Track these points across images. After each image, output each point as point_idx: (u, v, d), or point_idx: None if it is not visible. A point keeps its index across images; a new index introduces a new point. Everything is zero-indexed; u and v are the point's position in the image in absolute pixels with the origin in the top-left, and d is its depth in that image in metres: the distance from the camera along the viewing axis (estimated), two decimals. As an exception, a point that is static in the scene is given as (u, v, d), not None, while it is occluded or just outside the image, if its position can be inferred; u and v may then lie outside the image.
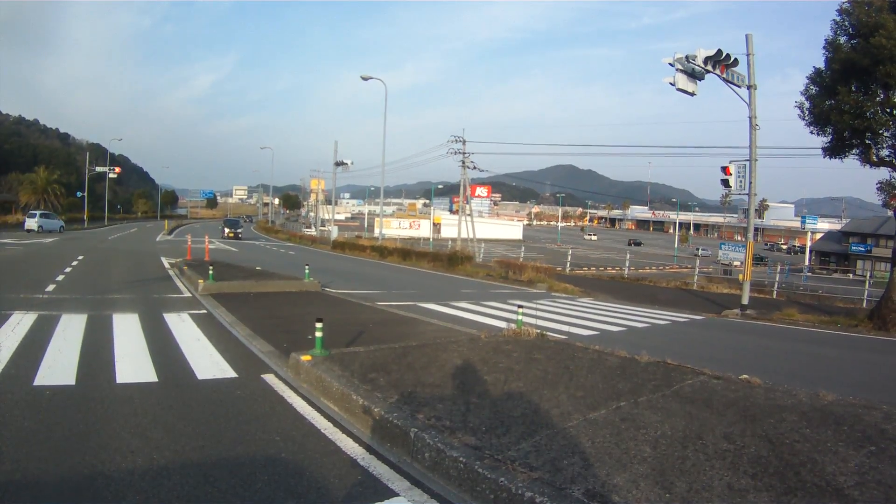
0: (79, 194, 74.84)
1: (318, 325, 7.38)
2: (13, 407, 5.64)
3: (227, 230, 54.95)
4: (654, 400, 5.66)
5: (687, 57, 19.60)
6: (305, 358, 7.08)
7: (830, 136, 18.80)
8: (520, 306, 10.80)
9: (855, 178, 76.19)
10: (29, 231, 44.46)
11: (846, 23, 17.91)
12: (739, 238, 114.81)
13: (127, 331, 9.65)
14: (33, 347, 8.11)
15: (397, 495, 4.02)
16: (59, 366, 7.25)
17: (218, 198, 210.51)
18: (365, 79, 40.03)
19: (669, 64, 19.85)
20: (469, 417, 4.93)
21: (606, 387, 6.13)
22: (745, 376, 6.88)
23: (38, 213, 49.71)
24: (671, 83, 19.91)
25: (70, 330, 9.44)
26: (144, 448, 4.77)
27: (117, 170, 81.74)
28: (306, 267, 17.60)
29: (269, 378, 7.12)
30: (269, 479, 4.24)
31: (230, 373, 7.34)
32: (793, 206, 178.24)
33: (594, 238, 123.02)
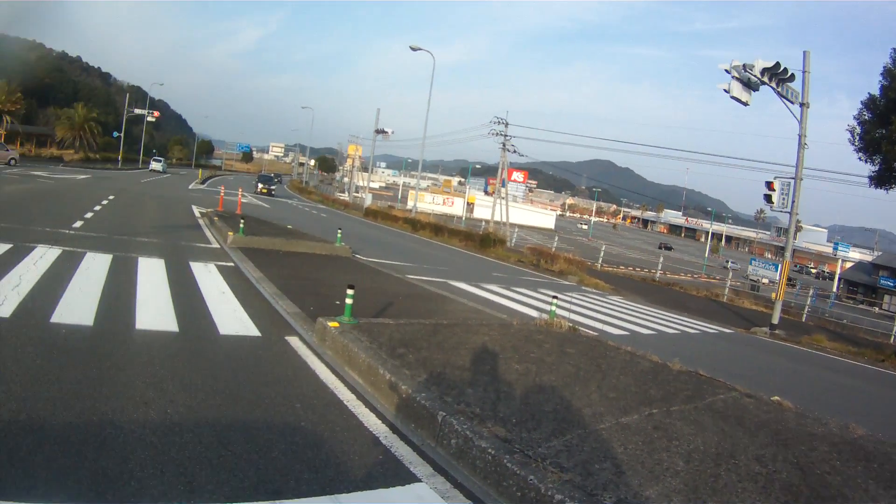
0: (115, 135, 75.92)
1: (350, 291, 7.25)
2: (27, 343, 5.59)
3: (260, 186, 55.55)
4: (686, 411, 5.59)
5: (744, 66, 19.72)
6: (333, 324, 6.98)
7: (879, 165, 19.10)
8: (554, 297, 10.79)
9: (891, 211, 74.38)
10: (153, 171, 57.62)
11: (906, 54, 17.43)
12: (770, 256, 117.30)
13: (151, 276, 9.65)
14: (54, 283, 8.11)
15: (419, 481, 3.95)
16: (78, 305, 7.23)
17: (254, 153, 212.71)
18: (414, 49, 40.25)
19: (725, 70, 20.13)
20: (499, 407, 4.85)
21: (639, 391, 6.07)
22: (776, 398, 6.77)
23: (161, 158, 66.99)
24: (725, 90, 20.18)
25: (93, 269, 9.48)
26: (158, 400, 4.70)
27: (156, 114, 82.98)
28: (338, 231, 17.56)
29: (293, 341, 7.06)
30: (287, 448, 4.15)
31: (254, 331, 7.29)
32: (826, 231, 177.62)
33: (584, 227, 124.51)
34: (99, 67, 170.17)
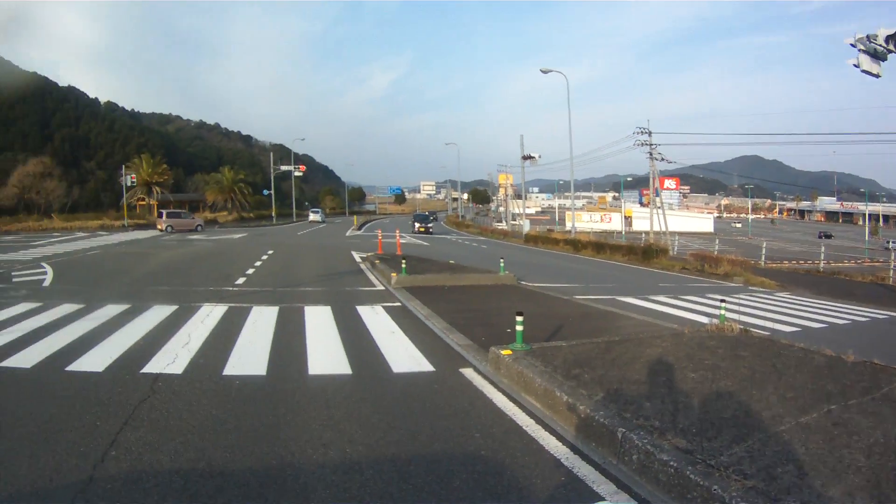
0: (265, 192, 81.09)
1: (519, 318, 7.28)
2: (201, 396, 5.95)
3: (417, 225, 57.28)
4: (864, 403, 5.35)
5: (868, 37, 19.04)
6: (506, 352, 7.03)
7: None
8: (721, 300, 10.59)
9: None
10: (312, 223, 62.50)
11: None
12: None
13: (319, 323, 10.05)
14: (223, 338, 8.63)
15: (602, 499, 3.93)
16: (250, 356, 7.63)
17: (406, 193, 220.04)
18: (545, 72, 41.31)
19: (851, 45, 19.47)
20: (678, 418, 4.85)
21: (815, 388, 5.86)
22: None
23: (320, 209, 69.26)
24: (855, 65, 19.49)
25: (261, 321, 9.99)
26: (337, 441, 4.82)
27: (302, 168, 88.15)
28: (501, 260, 17.67)
29: (468, 372, 7.11)
30: (468, 477, 4.18)
31: (427, 366, 7.40)
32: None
33: (737, 226, 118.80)
34: (239, 131, 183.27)
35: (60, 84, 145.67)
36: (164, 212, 49.01)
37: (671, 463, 3.96)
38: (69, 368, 6.96)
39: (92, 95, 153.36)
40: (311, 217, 79.13)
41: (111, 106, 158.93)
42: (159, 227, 46.26)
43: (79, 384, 6.36)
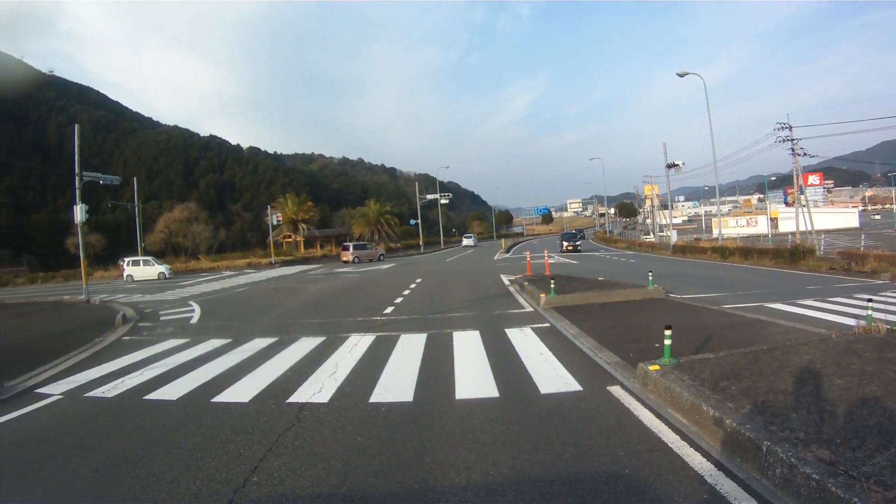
0: (412, 222, 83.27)
1: (667, 332, 7.32)
2: (346, 423, 6.19)
3: (565, 244, 57.76)
4: None
5: None
6: (653, 367, 7.06)
7: None
8: (869, 300, 10.54)
9: None
10: (465, 247, 67.05)
11: None
12: None
13: (467, 347, 10.24)
14: (370, 367, 8.96)
15: None
16: (396, 383, 7.87)
17: (552, 213, 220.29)
18: (681, 75, 41.51)
19: None
20: (823, 427, 4.84)
21: None
22: None
23: (472, 234, 75.40)
24: None
25: (408, 349, 10.28)
26: (480, 464, 4.90)
27: (448, 195, 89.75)
28: (649, 274, 17.39)
29: (615, 390, 7.13)
30: (610, 497, 4.21)
31: (574, 386, 7.41)
32: None
33: (877, 218, 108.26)
34: (382, 164, 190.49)
35: (202, 134, 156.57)
36: (351, 244, 52.42)
37: (813, 475, 3.95)
38: (215, 400, 7.45)
39: (234, 142, 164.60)
40: (465, 242, 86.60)
41: (253, 150, 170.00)
42: (345, 258, 49.70)
43: (224, 414, 6.79)
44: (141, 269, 43.09)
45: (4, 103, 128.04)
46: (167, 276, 41.89)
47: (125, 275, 42.76)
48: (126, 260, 44.46)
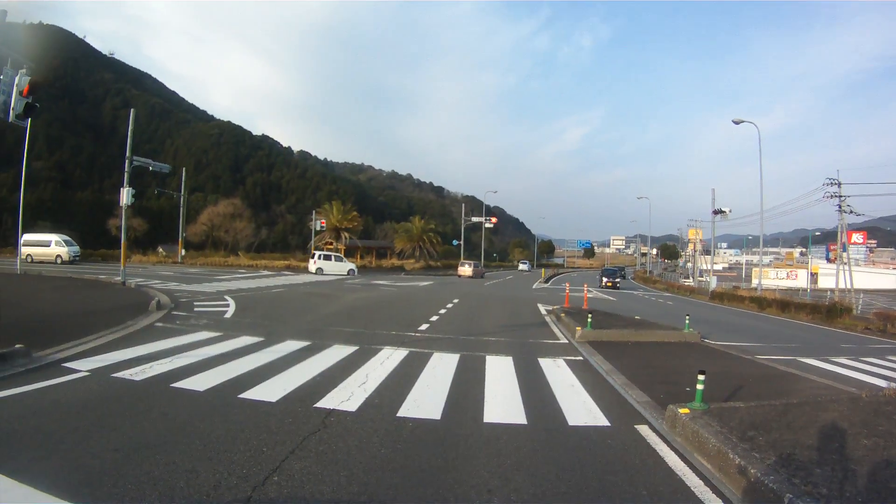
0: (455, 243, 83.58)
1: (700, 377, 7.30)
2: (372, 434, 6.19)
3: (604, 279, 58.18)
4: None
5: None
6: (683, 411, 7.06)
7: None
8: None
9: None
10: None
11: None
12: None
13: (499, 373, 10.18)
14: (401, 381, 8.95)
15: None
16: (426, 400, 7.86)
17: (595, 247, 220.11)
18: (737, 122, 42.35)
19: None
20: (845, 486, 4.88)
21: None
22: None
23: (527, 262, 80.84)
24: None
25: (440, 367, 10.27)
26: (502, 489, 4.89)
27: (493, 220, 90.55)
28: (686, 317, 17.19)
29: (643, 429, 7.10)
30: None
31: (602, 421, 7.40)
32: None
33: None
34: (431, 182, 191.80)
35: (254, 133, 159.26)
36: (319, 253, 52.15)
37: None
38: (242, 396, 7.50)
39: (285, 144, 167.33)
40: (521, 267, 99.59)
41: (304, 154, 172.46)
42: (310, 267, 49.54)
43: (250, 411, 6.83)
44: (332, 265, 47.13)
45: (62, 80, 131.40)
46: (356, 273, 44.75)
47: (314, 268, 47.10)
48: (317, 254, 49.00)
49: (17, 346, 8.68)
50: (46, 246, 44.08)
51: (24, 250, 40.43)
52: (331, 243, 74.17)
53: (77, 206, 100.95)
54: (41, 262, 41.72)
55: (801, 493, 4.62)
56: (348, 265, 48.23)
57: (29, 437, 5.50)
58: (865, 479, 5.06)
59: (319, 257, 48.43)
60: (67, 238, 46.57)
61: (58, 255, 43.77)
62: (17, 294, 18.31)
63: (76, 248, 46.51)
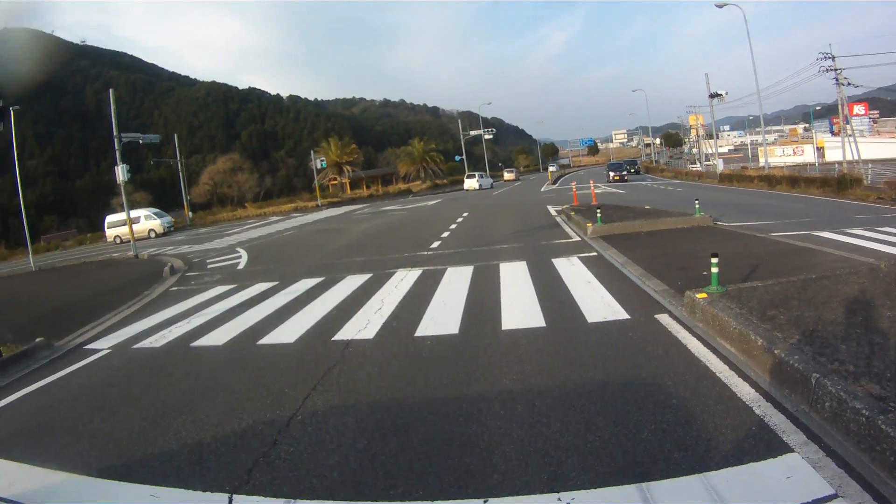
0: (458, 158, 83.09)
1: (714, 260, 7.13)
2: (391, 358, 6.19)
3: (611, 174, 57.82)
4: None
5: None
6: (701, 296, 6.89)
7: None
8: None
9: None
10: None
11: None
12: None
13: (514, 279, 10.12)
14: (416, 301, 8.93)
15: (791, 451, 3.81)
16: (442, 316, 7.84)
17: (598, 144, 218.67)
18: (720, 6, 41.43)
19: None
20: (873, 361, 4.58)
21: None
22: None
23: (476, 173, 69.35)
24: None
25: (455, 282, 10.23)
26: (526, 394, 4.85)
27: (492, 131, 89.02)
28: (696, 202, 16.99)
29: (663, 318, 6.96)
30: (656, 427, 4.12)
31: (622, 314, 7.27)
32: None
33: None
34: (424, 104, 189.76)
35: (241, 87, 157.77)
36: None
37: (863, 411, 3.77)
38: (261, 342, 7.51)
39: (273, 93, 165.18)
40: (507, 176, 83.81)
41: (294, 98, 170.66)
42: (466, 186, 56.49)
43: (269, 356, 6.85)
44: (482, 180, 54.27)
45: (39, 78, 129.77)
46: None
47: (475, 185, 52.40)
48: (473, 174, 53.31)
49: (38, 340, 8.67)
50: (136, 223, 39.19)
51: (111, 232, 41.17)
52: (335, 179, 74.06)
53: (79, 194, 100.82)
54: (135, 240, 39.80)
55: (828, 372, 4.44)
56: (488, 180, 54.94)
57: (58, 424, 5.51)
58: (893, 352, 4.82)
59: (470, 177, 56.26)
60: (157, 210, 45.21)
61: (151, 230, 41.58)
62: (31, 291, 18.29)
63: (168, 219, 44.51)
